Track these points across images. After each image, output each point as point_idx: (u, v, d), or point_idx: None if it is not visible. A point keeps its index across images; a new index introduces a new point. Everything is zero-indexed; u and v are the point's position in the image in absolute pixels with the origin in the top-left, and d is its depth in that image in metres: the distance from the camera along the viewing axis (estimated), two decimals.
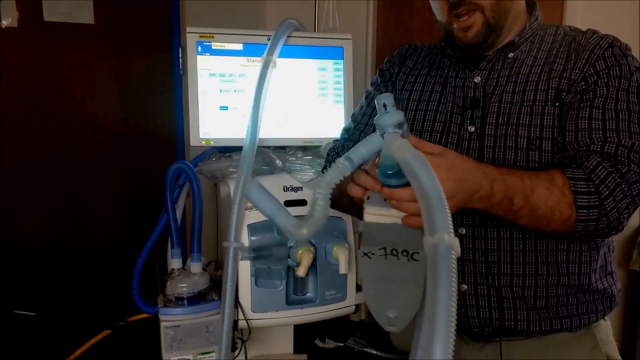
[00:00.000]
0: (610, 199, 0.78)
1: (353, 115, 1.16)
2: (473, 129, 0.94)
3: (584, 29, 0.95)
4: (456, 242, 0.51)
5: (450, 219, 0.53)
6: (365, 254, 0.73)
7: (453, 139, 0.96)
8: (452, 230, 0.52)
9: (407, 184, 0.67)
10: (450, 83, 1.01)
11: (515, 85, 0.93)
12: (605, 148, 0.82)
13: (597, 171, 0.79)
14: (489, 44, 0.95)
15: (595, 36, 0.91)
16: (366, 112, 1.12)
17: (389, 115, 0.71)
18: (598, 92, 0.86)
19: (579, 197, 0.78)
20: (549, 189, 0.78)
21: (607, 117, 0.84)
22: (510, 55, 0.96)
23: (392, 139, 0.67)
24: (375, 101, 0.72)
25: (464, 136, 0.95)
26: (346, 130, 1.16)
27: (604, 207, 0.78)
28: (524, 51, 0.96)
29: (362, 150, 0.72)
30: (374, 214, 0.74)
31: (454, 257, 0.50)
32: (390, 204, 0.71)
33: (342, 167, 0.69)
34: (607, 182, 0.79)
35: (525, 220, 0.80)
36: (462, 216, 0.92)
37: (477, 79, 0.96)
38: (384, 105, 0.71)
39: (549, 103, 0.89)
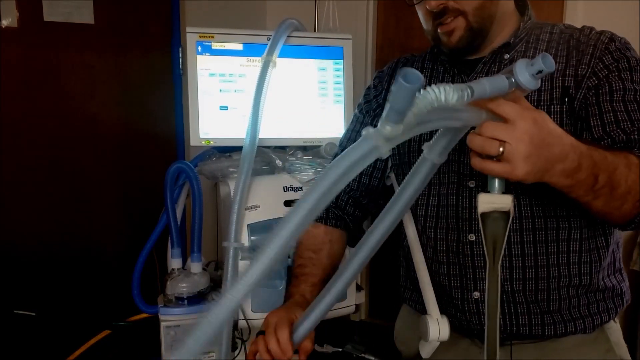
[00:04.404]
0: None
1: (340, 140, 1.16)
2: None
3: None
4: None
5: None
6: None
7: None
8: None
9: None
10: None
11: None
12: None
13: None
14: (475, 48, 0.94)
15: (594, 32, 0.91)
16: (351, 137, 1.11)
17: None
18: (614, 86, 0.85)
19: None
20: (629, 167, 0.74)
21: (629, 108, 0.83)
22: (506, 56, 0.94)
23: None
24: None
25: (465, 148, 0.94)
26: (333, 156, 1.16)
27: None
28: (520, 52, 0.94)
29: (486, 85, 0.62)
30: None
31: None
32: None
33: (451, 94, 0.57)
34: None
35: (601, 201, 0.73)
36: (471, 223, 0.92)
37: None
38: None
39: (555, 102, 0.88)
